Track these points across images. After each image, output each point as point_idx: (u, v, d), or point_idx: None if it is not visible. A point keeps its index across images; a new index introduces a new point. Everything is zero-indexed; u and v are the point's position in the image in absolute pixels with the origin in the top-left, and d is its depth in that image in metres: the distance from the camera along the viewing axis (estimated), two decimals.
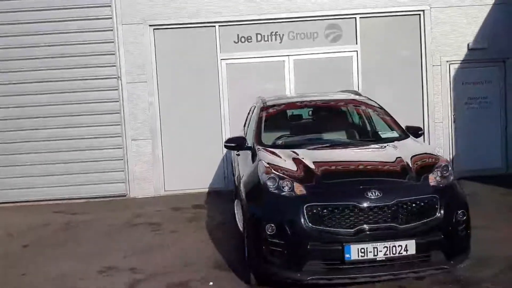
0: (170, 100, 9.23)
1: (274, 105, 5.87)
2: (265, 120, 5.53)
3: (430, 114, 9.31)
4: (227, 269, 5.07)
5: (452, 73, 9.32)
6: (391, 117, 5.59)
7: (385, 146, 4.85)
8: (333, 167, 4.52)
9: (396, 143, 4.94)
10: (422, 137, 5.69)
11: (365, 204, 3.89)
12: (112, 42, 8.94)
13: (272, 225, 4.00)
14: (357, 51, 9.27)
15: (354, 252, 3.84)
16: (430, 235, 3.97)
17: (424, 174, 4.20)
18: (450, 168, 4.35)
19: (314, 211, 3.93)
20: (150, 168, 9.18)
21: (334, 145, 5.12)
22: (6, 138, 8.94)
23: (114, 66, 8.97)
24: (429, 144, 9.02)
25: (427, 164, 4.37)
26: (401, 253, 3.87)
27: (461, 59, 9.27)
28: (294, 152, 4.72)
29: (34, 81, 8.84)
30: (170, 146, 9.24)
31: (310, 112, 6.06)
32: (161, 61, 9.19)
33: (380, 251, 3.85)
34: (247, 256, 4.43)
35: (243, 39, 9.24)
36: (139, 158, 9.17)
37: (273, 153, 4.81)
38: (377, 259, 3.86)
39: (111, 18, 8.91)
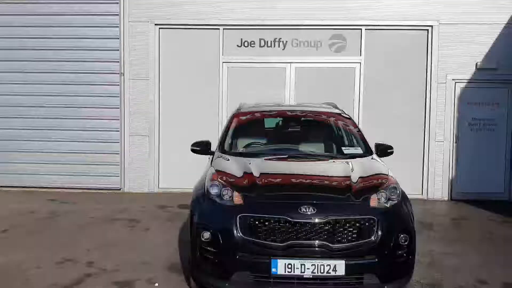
0: (170, 99, 9.34)
1: (246, 113, 5.85)
2: (234, 127, 5.53)
3: (431, 133, 9.07)
4: (179, 272, 5.09)
5: (458, 92, 9.06)
6: (361, 133, 5.48)
7: (341, 162, 4.75)
8: (276, 180, 4.47)
9: (354, 160, 4.84)
10: (390, 155, 5.49)
11: (296, 219, 3.83)
12: (118, 38, 9.13)
13: (207, 232, 4.00)
14: (360, 62, 9.14)
15: (281, 267, 3.79)
16: (364, 257, 3.87)
17: (368, 194, 4.10)
18: (398, 191, 4.23)
19: (247, 222, 3.90)
20: (145, 164, 9.31)
21: (292, 157, 5.07)
22: (10, 125, 9.24)
23: (118, 62, 9.15)
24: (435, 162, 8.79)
25: (374, 184, 4.26)
26: (329, 273, 3.79)
27: (468, 78, 9.00)
28: (248, 161, 4.69)
29: (38, 71, 9.14)
30: (167, 144, 9.35)
31: (281, 122, 6.01)
32: (164, 60, 9.32)
33: (307, 268, 3.78)
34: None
35: (246, 44, 9.26)
36: (135, 154, 9.32)
37: (229, 160, 4.81)
38: (304, 276, 3.79)
39: (118, 15, 9.10)
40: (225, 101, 9.26)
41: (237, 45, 9.28)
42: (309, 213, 3.84)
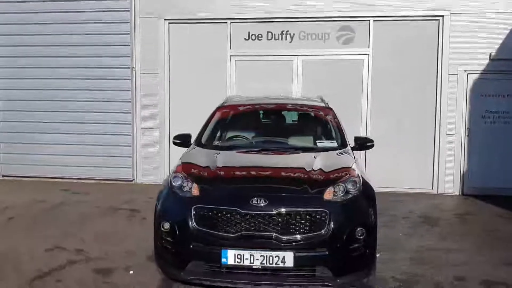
0: (180, 92, 9.52)
1: (228, 106, 5.92)
2: (216, 121, 5.63)
3: (442, 126, 8.84)
4: None
5: (470, 84, 8.77)
6: (340, 126, 5.41)
7: (309, 155, 4.74)
8: (236, 172, 4.52)
9: (324, 153, 4.82)
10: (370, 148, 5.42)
11: (247, 211, 3.88)
12: (128, 34, 9.38)
13: (167, 223, 4.12)
14: (368, 54, 9.00)
15: (231, 257, 3.86)
16: (315, 250, 3.88)
17: (324, 187, 4.09)
18: (357, 184, 4.18)
19: (201, 213, 3.99)
20: (156, 156, 9.55)
21: (265, 149, 5.11)
22: (27, 118, 9.70)
23: (129, 57, 9.40)
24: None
25: (334, 177, 4.23)
26: (278, 264, 3.83)
27: (481, 69, 8.70)
28: (216, 154, 4.78)
29: (53, 67, 9.54)
30: None
31: (262, 116, 6.03)
32: (174, 55, 9.50)
33: (256, 259, 3.83)
34: None
35: (253, 37, 9.30)
36: (146, 147, 9.57)
37: (200, 152, 4.91)
38: (253, 267, 3.85)
39: (129, 10, 9.34)
40: (233, 94, 9.33)
41: (245, 39, 9.33)
42: (260, 205, 3.88)
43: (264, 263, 3.83)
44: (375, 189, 8.49)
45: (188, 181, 4.22)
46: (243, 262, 3.84)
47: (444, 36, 8.71)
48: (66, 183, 9.46)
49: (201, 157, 4.76)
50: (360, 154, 8.87)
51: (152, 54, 9.43)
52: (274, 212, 3.86)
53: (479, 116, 8.79)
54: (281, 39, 9.24)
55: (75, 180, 9.64)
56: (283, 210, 3.88)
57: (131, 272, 4.94)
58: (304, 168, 4.36)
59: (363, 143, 5.22)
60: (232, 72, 9.37)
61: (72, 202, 8.01)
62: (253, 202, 3.89)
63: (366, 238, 4.03)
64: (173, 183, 4.27)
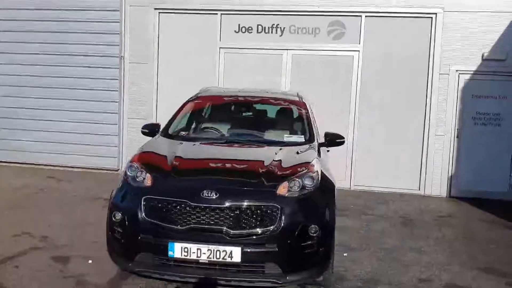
0: (168, 83, 9.43)
1: (201, 97, 5.83)
2: (186, 112, 5.57)
3: (431, 126, 8.67)
4: None
5: (461, 84, 8.58)
6: (310, 121, 5.27)
7: (272, 149, 4.62)
8: (192, 164, 4.42)
9: (288, 147, 4.70)
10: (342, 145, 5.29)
11: (197, 204, 3.78)
12: (118, 22, 9.30)
13: (118, 213, 4.04)
14: (359, 50, 8.84)
15: (178, 250, 3.76)
16: (264, 246, 3.77)
17: (279, 181, 3.98)
18: (314, 180, 4.06)
19: (151, 204, 3.90)
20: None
21: (229, 142, 5.02)
22: (15, 104, 9.67)
23: (118, 45, 9.32)
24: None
25: (291, 172, 4.12)
26: (225, 259, 3.73)
27: (473, 69, 8.50)
28: (177, 145, 4.70)
29: (39, 53, 9.47)
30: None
31: (233, 108, 5.93)
32: (163, 45, 9.41)
33: (203, 253, 3.74)
34: None
35: (243, 29, 9.18)
36: (132, 136, 9.49)
37: (162, 143, 4.83)
38: (200, 261, 3.76)
39: None
40: (222, 86, 9.22)
41: (235, 31, 9.22)
42: (211, 197, 3.79)
43: (211, 258, 3.74)
44: (362, 188, 8.58)
45: (142, 171, 4.13)
46: (190, 256, 3.75)
47: (437, 35, 8.53)
48: (53, 170, 9.43)
49: (162, 147, 4.67)
50: (346, 152, 8.79)
51: (141, 44, 9.35)
52: (224, 205, 3.76)
53: (469, 118, 8.60)
54: (271, 32, 9.11)
55: (61, 168, 9.60)
56: (233, 203, 3.77)
57: (90, 261, 4.87)
58: (262, 162, 4.25)
59: (332, 139, 5.09)
60: (221, 64, 9.26)
61: (53, 189, 7.98)
62: (204, 195, 3.80)
63: (320, 236, 3.92)
64: (128, 173, 4.19)
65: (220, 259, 3.73)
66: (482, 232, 6.50)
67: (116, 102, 9.43)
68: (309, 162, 4.29)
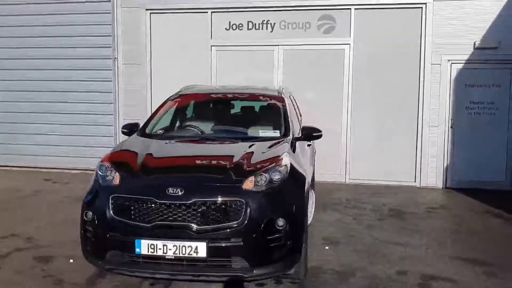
0: (162, 83, 9.47)
1: (182, 96, 5.85)
2: (166, 110, 5.60)
3: (425, 117, 8.59)
4: None
5: (454, 74, 8.49)
6: (287, 116, 5.24)
7: (245, 145, 4.61)
8: (161, 161, 4.44)
9: (262, 143, 4.70)
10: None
11: (162, 201, 3.81)
12: (110, 24, 9.39)
13: (89, 212, 4.09)
14: (350, 44, 8.79)
15: (144, 247, 3.80)
16: (229, 240, 3.79)
17: (246, 176, 3.99)
18: (281, 174, 4.05)
19: (118, 202, 3.94)
20: None
21: (203, 139, 5.06)
22: (11, 108, 9.85)
23: (110, 47, 9.42)
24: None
25: (260, 167, 4.11)
26: (191, 255, 3.75)
27: (466, 58, 8.41)
28: (149, 143, 4.75)
29: (36, 58, 9.64)
30: None
31: (212, 105, 5.94)
32: (155, 45, 9.48)
33: (169, 249, 3.76)
34: None
35: (234, 27, 9.20)
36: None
37: (136, 142, 4.87)
38: (166, 257, 3.79)
39: (110, 1, 9.34)
40: (215, 84, 9.26)
41: (226, 28, 9.24)
42: (175, 194, 3.81)
43: (177, 253, 3.76)
44: (358, 182, 8.52)
45: (111, 170, 4.17)
46: (156, 252, 3.78)
47: (427, 25, 8.44)
48: (50, 172, 9.57)
49: (135, 146, 4.70)
50: (341, 146, 8.76)
51: (134, 45, 9.43)
52: (189, 201, 3.78)
53: (463, 107, 8.51)
54: (262, 29, 9.12)
55: (59, 170, 9.73)
56: (198, 199, 3.79)
57: (71, 260, 4.93)
58: (232, 158, 4.26)
59: (309, 133, 5.07)
60: (213, 62, 9.29)
61: (47, 192, 8.08)
62: (169, 192, 3.82)
63: (288, 229, 3.91)
64: (98, 173, 4.24)
65: (186, 255, 3.76)
66: (472, 224, 6.42)
67: (111, 103, 9.53)
68: (279, 156, 4.29)
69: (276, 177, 4.03)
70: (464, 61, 8.41)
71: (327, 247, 5.37)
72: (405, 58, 8.62)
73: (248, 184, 3.93)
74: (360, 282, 4.45)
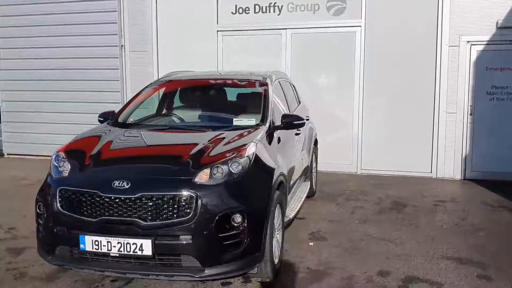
0: (169, 70, 9.23)
1: (163, 82, 5.57)
2: (143, 98, 5.35)
3: (441, 104, 8.00)
4: None
5: (474, 56, 7.84)
6: (266, 104, 4.82)
7: (213, 134, 4.28)
8: (115, 153, 4.16)
9: (232, 132, 4.35)
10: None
11: (107, 194, 3.56)
12: (116, 11, 9.24)
13: (41, 204, 3.92)
14: (361, 26, 8.28)
15: (89, 243, 3.57)
16: (178, 237, 3.50)
17: (201, 168, 3.68)
18: (239, 166, 3.72)
19: (66, 195, 3.72)
20: None
21: (172, 128, 4.79)
22: (26, 98, 9.92)
23: (116, 34, 9.28)
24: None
25: (217, 159, 3.79)
26: (136, 252, 3.49)
27: (487, 39, 7.74)
28: (114, 132, 4.51)
29: (43, 47, 9.65)
30: None
31: (190, 92, 5.62)
32: (162, 32, 9.27)
33: (114, 246, 3.52)
34: None
35: (240, 10, 8.86)
36: None
37: (101, 131, 4.64)
38: (111, 254, 3.55)
39: None
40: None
41: (232, 12, 8.91)
42: (121, 188, 3.56)
43: (121, 251, 3.52)
44: (370, 172, 8.07)
45: (64, 161, 3.97)
46: (101, 249, 3.55)
47: (445, 3, 7.82)
48: None
49: (96, 135, 4.47)
50: (352, 135, 8.32)
51: (140, 32, 9.26)
52: (135, 195, 3.52)
53: (484, 92, 7.86)
54: (269, 12, 8.73)
55: None
56: (145, 193, 3.52)
57: None
58: (191, 149, 3.95)
59: (289, 122, 4.70)
60: (219, 47, 9.00)
61: None
62: (115, 185, 3.57)
63: (246, 226, 3.60)
64: (53, 163, 4.04)
65: (131, 252, 3.51)
66: (479, 218, 5.89)
67: (118, 92, 9.40)
68: (244, 146, 3.95)
69: (236, 169, 3.71)
70: (485, 42, 7.75)
71: (311, 243, 5.01)
72: (420, 40, 8.03)
73: (203, 177, 3.63)
74: (334, 283, 4.08)
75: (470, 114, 7.92)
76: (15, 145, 10.22)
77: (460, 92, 7.89)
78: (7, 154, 10.38)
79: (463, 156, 8.00)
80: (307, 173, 6.37)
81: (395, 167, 8.30)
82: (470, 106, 7.90)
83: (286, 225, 4.84)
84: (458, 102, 7.92)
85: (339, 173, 8.40)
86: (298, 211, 5.65)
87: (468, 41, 7.78)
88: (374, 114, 8.37)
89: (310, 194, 6.66)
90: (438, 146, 8.05)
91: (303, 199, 5.63)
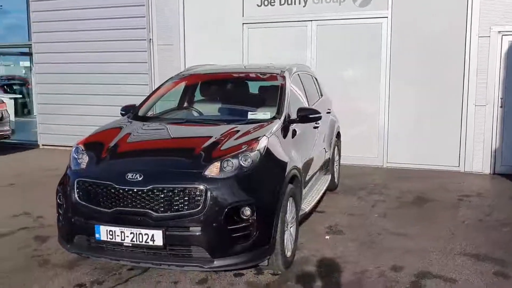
0: (195, 63, 9.33)
1: (182, 76, 5.66)
2: (163, 92, 5.46)
3: (470, 96, 7.81)
4: None
5: (505, 47, 7.61)
6: (282, 98, 4.80)
7: (227, 128, 4.32)
8: (131, 146, 4.25)
9: (246, 125, 4.38)
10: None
11: (121, 186, 3.67)
12: (144, 5, 9.40)
13: (60, 195, 4.08)
14: (387, 17, 8.15)
15: (103, 233, 3.70)
16: (188, 229, 3.58)
17: (211, 161, 3.74)
18: (249, 159, 3.76)
19: (83, 186, 3.86)
20: None
21: (188, 122, 4.86)
22: (60, 90, 10.25)
23: (144, 28, 9.44)
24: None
25: (228, 152, 3.84)
26: (148, 242, 3.59)
27: None
28: (133, 125, 4.63)
29: (74, 41, 9.97)
30: None
31: (209, 86, 5.66)
32: (189, 25, 9.38)
33: (127, 236, 3.63)
34: None
35: (266, 2, 8.86)
36: None
37: (121, 124, 4.77)
38: (125, 244, 3.66)
39: None
40: (244, 63, 9.01)
41: (257, 5, 8.92)
42: (134, 180, 3.66)
43: (134, 241, 3.63)
44: (396, 165, 8.00)
45: (83, 153, 4.11)
46: (115, 239, 3.67)
47: None
48: None
49: (115, 128, 4.60)
50: (378, 127, 8.22)
51: (167, 25, 9.40)
52: (146, 187, 3.62)
53: None
54: (294, 4, 8.70)
55: None
56: (156, 185, 3.61)
57: None
58: (205, 141, 4.02)
59: (305, 115, 4.69)
60: (245, 40, 9.04)
61: None
62: (128, 177, 3.68)
63: (256, 219, 3.65)
64: (72, 155, 4.19)
65: (143, 243, 3.61)
66: (503, 214, 5.73)
67: (147, 85, 9.57)
68: (257, 139, 3.98)
69: (246, 162, 3.75)
70: None
71: (327, 237, 5.02)
72: (450, 30, 7.84)
73: (213, 170, 3.69)
74: (345, 277, 4.08)
75: (501, 107, 7.70)
76: (49, 136, 10.58)
77: (490, 84, 7.68)
78: (42, 145, 10.76)
79: (492, 150, 7.80)
80: (328, 166, 6.35)
81: (421, 160, 8.17)
82: (501, 98, 7.68)
83: (302, 219, 4.87)
84: (488, 94, 7.71)
85: (364, 167, 8.33)
86: (317, 204, 5.67)
87: (499, 32, 7.55)
88: (400, 107, 8.24)
89: (332, 188, 6.65)
90: (467, 139, 7.87)
91: (321, 193, 5.62)
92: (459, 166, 7.99)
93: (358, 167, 8.26)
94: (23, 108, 18.46)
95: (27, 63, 19.98)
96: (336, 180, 6.81)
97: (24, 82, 22.51)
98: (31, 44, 10.82)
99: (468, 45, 7.72)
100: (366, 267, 4.25)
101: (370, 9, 8.24)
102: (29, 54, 14.92)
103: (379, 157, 8.47)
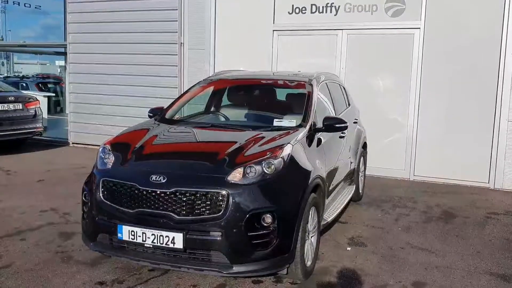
0: (225, 68, 9.42)
1: (210, 81, 5.70)
2: (191, 96, 5.50)
3: (503, 111, 7.63)
4: None
5: None
6: (310, 104, 4.78)
7: (251, 134, 4.33)
8: (156, 148, 4.29)
9: (271, 132, 4.38)
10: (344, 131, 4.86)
11: (144, 187, 3.71)
12: (176, 9, 9.53)
13: (86, 194, 4.15)
14: (420, 28, 8.05)
15: (126, 233, 3.74)
16: (209, 233, 3.59)
17: (234, 167, 3.75)
18: (272, 166, 3.75)
19: (108, 186, 3.92)
20: None
21: (214, 126, 4.87)
22: (91, 90, 10.46)
23: (176, 32, 9.57)
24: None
25: (251, 159, 3.83)
26: (168, 245, 3.62)
27: None
28: (160, 128, 4.69)
29: (108, 43, 10.14)
30: None
31: (236, 92, 5.68)
32: (219, 30, 9.46)
33: (148, 237, 3.66)
34: None
35: (297, 10, 8.87)
36: None
37: (148, 126, 4.82)
38: (145, 245, 3.70)
39: None
40: (273, 70, 9.02)
41: (288, 12, 8.94)
42: (158, 182, 3.70)
43: (155, 242, 3.66)
44: (423, 179, 7.89)
45: (109, 153, 4.18)
46: (136, 239, 3.71)
47: (511, 4, 7.43)
48: None
49: (142, 130, 4.66)
50: (407, 140, 8.11)
51: (199, 30, 9.49)
52: (169, 190, 3.65)
53: None
54: (326, 12, 8.68)
55: None
56: (180, 188, 3.64)
57: None
58: (230, 147, 4.04)
59: (331, 124, 4.67)
60: (275, 47, 9.06)
61: None
62: (152, 179, 3.72)
63: (276, 226, 3.64)
64: (99, 154, 4.26)
65: (164, 245, 3.64)
66: None
67: (176, 88, 9.69)
68: (281, 146, 3.98)
69: (269, 169, 3.75)
70: None
71: (348, 248, 4.96)
72: (482, 43, 7.69)
73: (236, 175, 3.70)
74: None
75: None
76: (79, 135, 10.81)
77: None
78: (72, 143, 10.99)
79: None
80: (353, 177, 6.29)
81: (449, 174, 8.02)
82: None
83: (324, 228, 4.83)
84: None
85: (391, 179, 8.23)
86: (340, 214, 5.62)
87: None
88: (430, 119, 8.11)
89: (356, 198, 6.59)
90: (498, 155, 7.69)
91: (345, 203, 5.57)
92: (488, 183, 7.81)
93: (384, 179, 8.16)
94: (56, 106, 18.92)
95: (62, 63, 20.48)
96: (360, 191, 6.74)
97: (59, 81, 23.09)
98: (66, 44, 11.10)
99: (502, 59, 7.55)
100: (386, 281, 4.19)
101: (403, 19, 8.15)
102: (65, 53, 15.31)
103: (406, 169, 8.35)
